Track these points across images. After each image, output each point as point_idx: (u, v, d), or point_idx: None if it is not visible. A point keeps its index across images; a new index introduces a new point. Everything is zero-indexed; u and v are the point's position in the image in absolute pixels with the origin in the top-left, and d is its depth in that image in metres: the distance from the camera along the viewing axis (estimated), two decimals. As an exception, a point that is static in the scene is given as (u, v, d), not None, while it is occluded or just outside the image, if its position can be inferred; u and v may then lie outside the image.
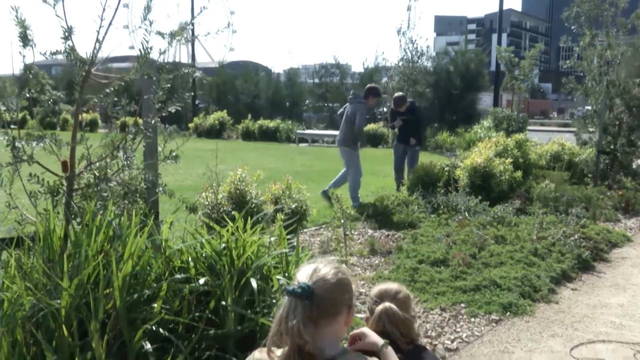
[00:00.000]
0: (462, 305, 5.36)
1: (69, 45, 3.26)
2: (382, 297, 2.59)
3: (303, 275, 1.97)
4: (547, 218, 8.39)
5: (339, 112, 11.35)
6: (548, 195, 9.61)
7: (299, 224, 7.06)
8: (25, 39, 3.28)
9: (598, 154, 12.54)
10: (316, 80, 37.89)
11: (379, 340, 2.22)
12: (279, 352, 1.94)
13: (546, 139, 14.75)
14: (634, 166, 13.39)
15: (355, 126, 9.99)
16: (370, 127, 25.45)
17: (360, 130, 10.13)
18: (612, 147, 12.96)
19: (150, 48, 3.56)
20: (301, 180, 8.56)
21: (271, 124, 28.79)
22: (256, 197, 6.70)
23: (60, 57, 3.40)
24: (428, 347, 3.77)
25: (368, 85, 11.12)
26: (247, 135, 28.71)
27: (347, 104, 10.52)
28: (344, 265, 2.09)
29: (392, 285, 2.70)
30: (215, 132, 29.18)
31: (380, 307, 2.52)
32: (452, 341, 4.67)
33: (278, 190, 7.39)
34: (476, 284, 5.72)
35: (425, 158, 11.77)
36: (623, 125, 12.89)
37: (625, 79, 12.76)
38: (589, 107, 13.73)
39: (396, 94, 12.06)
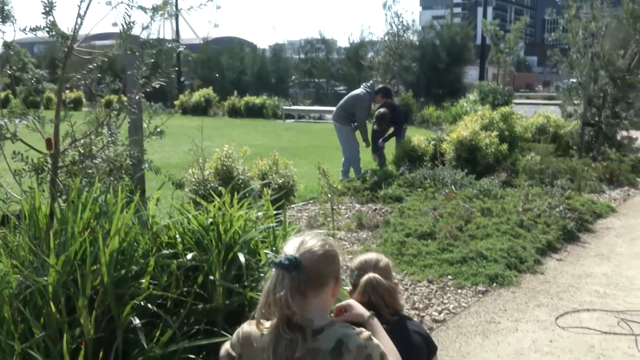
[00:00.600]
0: (449, 277, 5.41)
1: (50, 20, 3.22)
2: (364, 267, 2.58)
3: (290, 247, 1.98)
4: (532, 190, 8.45)
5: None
6: (533, 167, 9.67)
7: (286, 200, 7.07)
8: (4, 15, 3.23)
9: (583, 126, 12.61)
10: (302, 56, 37.63)
11: (365, 312, 2.23)
12: (267, 324, 1.95)
13: (532, 112, 14.80)
14: (619, 138, 13.48)
15: (357, 120, 10.09)
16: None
17: (363, 125, 10.20)
18: (596, 119, 13.03)
19: (133, 23, 3.52)
20: (288, 156, 8.54)
21: (257, 100, 28.65)
22: (243, 173, 6.69)
23: (42, 34, 3.35)
24: (415, 319, 3.80)
25: (384, 85, 11.29)
26: (234, 112, 28.56)
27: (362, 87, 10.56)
28: (331, 238, 2.10)
29: (372, 255, 2.69)
30: (201, 109, 28.99)
31: (364, 277, 2.51)
32: (440, 312, 4.72)
33: (265, 166, 7.38)
34: (463, 256, 5.77)
35: (411, 132, 11.77)
36: (607, 97, 12.94)
37: (609, 50, 12.78)
38: (574, 80, 13.76)
39: (381, 86, 11.35)
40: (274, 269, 1.92)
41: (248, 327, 2.02)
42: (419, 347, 2.46)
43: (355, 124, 10.21)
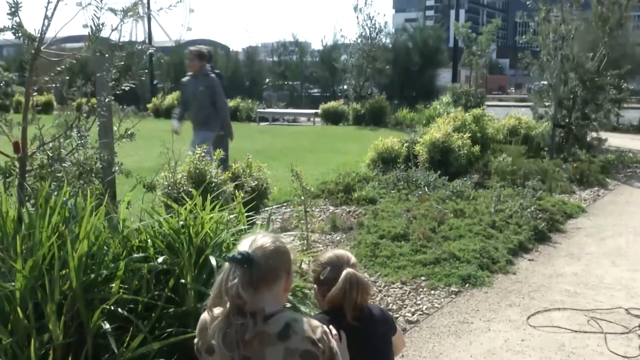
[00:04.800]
0: (422, 278, 5.43)
1: (16, 21, 3.17)
2: (338, 263, 2.53)
3: (243, 244, 2.10)
4: (504, 191, 8.53)
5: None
6: (505, 168, 9.77)
7: (260, 203, 7.04)
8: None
9: (553, 127, 12.77)
10: (275, 59, 37.58)
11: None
12: (217, 311, 2.04)
13: (504, 114, 14.94)
14: (588, 139, 13.67)
15: (221, 112, 8.52)
16: (331, 104, 25.44)
17: (226, 114, 8.71)
18: (567, 120, 13.20)
19: (102, 25, 3.48)
20: (262, 159, 8.52)
21: (231, 103, 28.43)
22: (216, 176, 6.65)
23: (8, 35, 3.31)
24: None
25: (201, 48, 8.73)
26: (207, 115, 28.35)
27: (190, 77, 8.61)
28: (283, 236, 2.24)
29: (341, 251, 2.65)
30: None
31: (344, 273, 2.45)
32: (413, 314, 4.74)
33: (238, 169, 7.35)
34: (436, 257, 5.80)
35: (385, 134, 11.81)
36: (577, 99, 13.12)
37: (578, 53, 12.96)
38: (545, 82, 13.94)
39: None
40: (227, 264, 2.04)
41: (204, 315, 2.11)
42: (385, 334, 2.55)
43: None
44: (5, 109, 26.94)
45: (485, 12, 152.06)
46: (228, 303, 1.99)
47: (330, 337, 2.08)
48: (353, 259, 2.61)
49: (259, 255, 2.06)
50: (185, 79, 8.75)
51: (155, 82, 35.74)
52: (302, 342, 1.99)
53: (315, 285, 2.61)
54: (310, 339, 1.99)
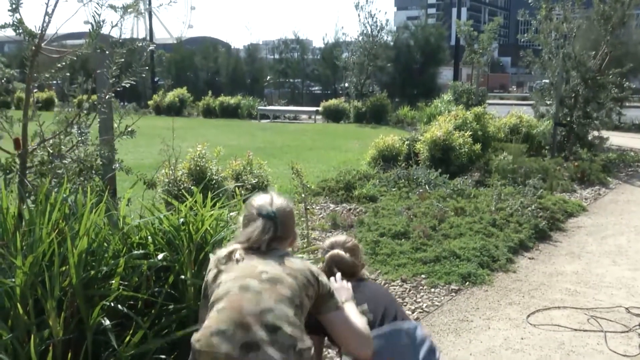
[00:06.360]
0: (423, 276, 5.43)
1: (16, 18, 3.17)
2: (333, 246, 3.05)
3: (265, 202, 2.54)
4: (505, 189, 8.53)
5: None
6: (506, 167, 9.76)
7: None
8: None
9: (555, 126, 12.75)
10: (276, 56, 37.59)
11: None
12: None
13: (505, 112, 14.93)
14: (590, 137, 13.65)
15: None
16: (332, 102, 25.45)
17: None
18: (568, 119, 13.18)
19: (103, 21, 3.48)
20: (263, 156, 8.53)
21: (232, 100, 28.50)
22: (216, 174, 6.66)
23: (9, 32, 3.31)
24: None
25: None
26: (208, 112, 28.39)
27: None
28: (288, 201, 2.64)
29: (342, 237, 3.14)
30: (175, 110, 28.75)
31: (328, 253, 2.99)
32: (413, 311, 4.74)
33: (239, 166, 7.36)
34: (436, 255, 5.80)
35: (386, 132, 11.81)
36: (579, 98, 13.10)
37: (580, 51, 12.94)
38: (547, 80, 13.92)
39: None
40: (259, 219, 2.47)
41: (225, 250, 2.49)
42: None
43: None
44: (6, 106, 26.76)
45: (487, 10, 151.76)
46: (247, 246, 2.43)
47: (325, 279, 2.46)
48: (351, 242, 3.11)
49: (281, 214, 2.51)
50: None
51: (156, 79, 35.77)
52: (301, 263, 2.42)
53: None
54: (308, 266, 2.43)
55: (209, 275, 2.41)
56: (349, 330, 2.46)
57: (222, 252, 2.46)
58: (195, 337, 2.19)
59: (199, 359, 2.15)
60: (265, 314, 2.16)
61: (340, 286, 2.73)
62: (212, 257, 2.49)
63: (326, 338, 2.74)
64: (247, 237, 2.45)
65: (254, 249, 2.41)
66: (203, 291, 2.45)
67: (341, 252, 2.98)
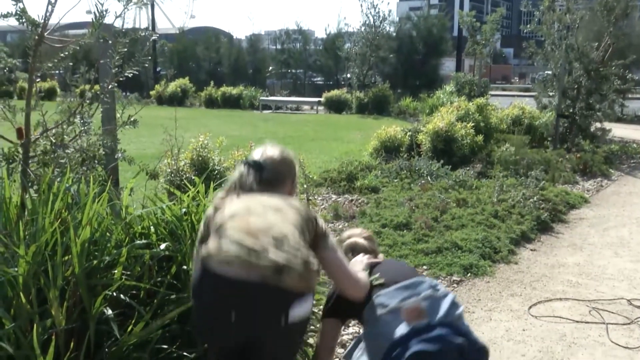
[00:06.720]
0: (424, 267, 5.44)
1: (19, 7, 3.16)
2: (350, 236, 3.22)
3: (256, 153, 2.72)
4: (507, 181, 8.52)
5: None
6: (508, 158, 9.75)
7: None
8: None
9: (557, 117, 12.73)
10: (279, 47, 37.52)
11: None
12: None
13: (507, 104, 14.91)
14: (592, 129, 13.64)
15: None
16: (334, 93, 25.42)
17: None
18: (571, 110, 13.16)
19: (106, 11, 3.47)
20: (264, 146, 8.50)
21: (234, 91, 28.45)
22: (219, 164, 6.66)
23: (11, 21, 3.30)
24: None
25: None
26: (210, 103, 28.35)
27: None
28: (290, 150, 2.82)
29: (357, 229, 3.40)
30: (177, 100, 28.69)
31: (346, 241, 3.16)
32: (414, 302, 4.74)
33: (241, 156, 7.35)
34: (438, 247, 5.80)
35: (388, 123, 11.80)
36: (581, 89, 13.08)
37: (583, 43, 12.90)
38: (549, 72, 13.88)
39: None
40: (242, 165, 2.68)
41: (208, 210, 2.61)
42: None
43: None
44: (8, 95, 26.78)
45: (490, 1, 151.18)
46: (242, 192, 2.57)
47: (321, 219, 2.62)
48: (367, 233, 3.31)
49: (268, 163, 2.67)
50: None
51: (158, 69, 35.72)
52: (300, 203, 2.60)
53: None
54: (305, 206, 2.59)
55: (209, 212, 2.57)
56: (340, 270, 2.62)
57: (220, 193, 2.66)
58: (203, 250, 2.30)
59: (208, 265, 2.24)
60: (271, 229, 2.30)
61: (354, 260, 2.94)
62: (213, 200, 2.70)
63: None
64: (232, 182, 2.66)
65: (246, 191, 2.58)
66: (202, 229, 2.55)
67: (359, 239, 3.15)
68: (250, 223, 2.32)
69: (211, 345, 2.46)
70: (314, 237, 2.53)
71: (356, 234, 3.24)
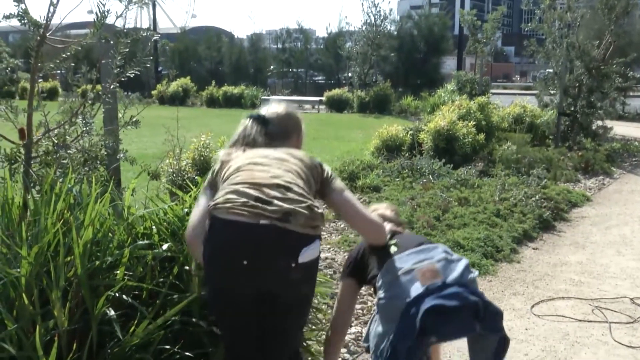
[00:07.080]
0: (426, 266, 5.42)
1: (22, 8, 3.16)
2: (375, 209, 3.23)
3: (262, 110, 2.83)
4: (509, 179, 8.52)
5: None
6: (510, 157, 9.75)
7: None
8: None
9: (559, 115, 12.72)
10: (279, 46, 37.49)
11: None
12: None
13: (509, 102, 14.89)
14: (594, 127, 13.63)
15: None
16: (335, 92, 25.40)
17: None
18: (572, 108, 13.14)
19: (107, 11, 3.47)
20: (266, 146, 8.50)
21: (235, 90, 28.41)
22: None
23: (14, 22, 3.30)
24: None
25: None
26: (212, 102, 28.32)
27: None
28: (296, 109, 2.98)
29: (382, 204, 3.46)
30: (179, 99, 28.63)
31: (374, 213, 3.11)
32: (417, 301, 4.73)
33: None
34: (440, 246, 5.79)
35: (389, 122, 11.79)
36: (583, 87, 13.06)
37: (584, 41, 12.89)
38: (550, 70, 13.88)
39: None
40: (248, 120, 2.78)
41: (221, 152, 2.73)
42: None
43: None
44: (10, 96, 26.79)
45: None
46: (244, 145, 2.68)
47: (326, 165, 2.75)
48: (392, 206, 3.40)
49: (272, 117, 2.80)
50: None
51: (159, 69, 35.65)
52: (304, 153, 2.69)
53: None
54: (309, 155, 2.70)
55: (216, 167, 2.64)
56: (352, 209, 2.70)
57: (225, 149, 2.72)
58: (212, 203, 2.38)
59: (217, 214, 2.31)
60: (276, 179, 2.40)
61: (375, 214, 3.05)
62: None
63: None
64: (236, 135, 2.74)
65: (251, 145, 2.67)
66: (210, 177, 2.63)
67: (386, 211, 3.22)
68: (256, 175, 2.41)
69: (225, 300, 2.41)
70: (321, 183, 2.63)
71: (382, 207, 3.31)
